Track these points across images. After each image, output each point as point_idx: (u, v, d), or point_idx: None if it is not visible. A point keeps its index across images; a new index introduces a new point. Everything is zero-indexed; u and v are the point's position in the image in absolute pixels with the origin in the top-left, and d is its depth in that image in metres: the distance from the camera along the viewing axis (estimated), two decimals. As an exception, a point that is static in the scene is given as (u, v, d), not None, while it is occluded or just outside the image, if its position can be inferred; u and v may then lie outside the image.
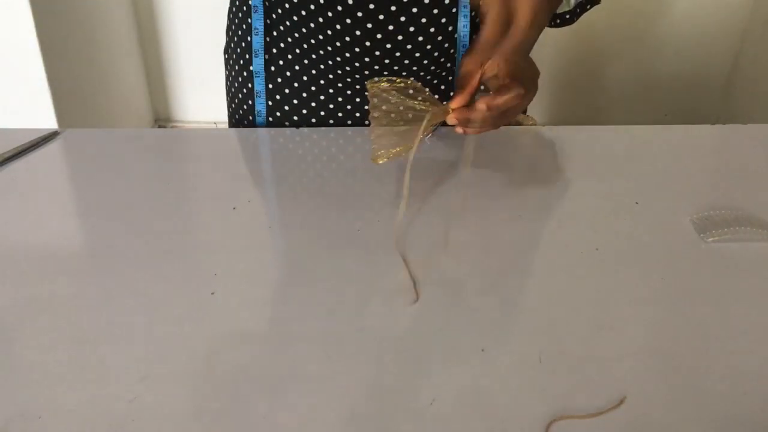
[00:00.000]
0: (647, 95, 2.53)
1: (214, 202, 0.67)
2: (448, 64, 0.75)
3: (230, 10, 0.85)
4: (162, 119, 2.62)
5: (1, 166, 0.72)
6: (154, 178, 0.71)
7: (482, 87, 0.61)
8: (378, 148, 0.60)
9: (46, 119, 1.83)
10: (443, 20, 0.72)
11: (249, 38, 0.81)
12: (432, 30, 0.72)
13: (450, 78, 0.78)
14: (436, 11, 0.71)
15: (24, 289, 0.55)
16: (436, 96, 0.70)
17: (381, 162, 0.60)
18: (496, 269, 0.58)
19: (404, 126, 0.59)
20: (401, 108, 0.59)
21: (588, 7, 0.83)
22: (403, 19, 0.71)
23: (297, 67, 0.80)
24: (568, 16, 0.84)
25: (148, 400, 0.45)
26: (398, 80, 0.59)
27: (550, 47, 2.44)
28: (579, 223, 0.64)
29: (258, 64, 0.81)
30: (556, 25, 0.86)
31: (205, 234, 0.62)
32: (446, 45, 0.74)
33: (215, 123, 2.62)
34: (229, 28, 0.87)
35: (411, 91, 0.59)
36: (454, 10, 0.72)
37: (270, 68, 0.81)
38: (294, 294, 0.55)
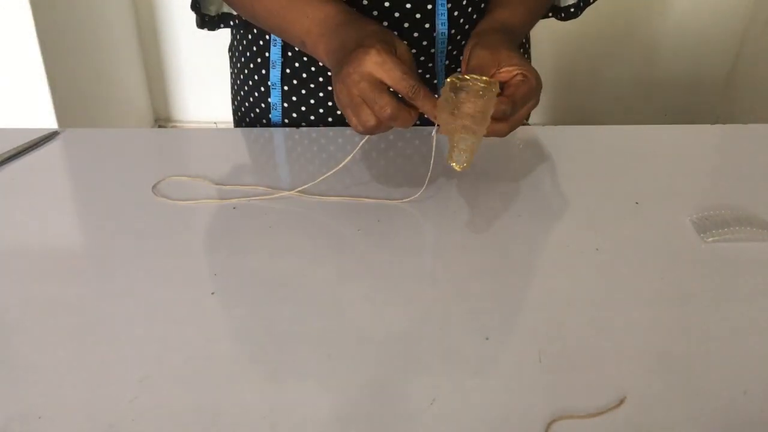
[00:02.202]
0: (647, 95, 2.53)
1: (214, 202, 0.67)
2: (430, 54, 0.77)
3: None
4: (162, 119, 2.62)
5: (1, 166, 0.72)
6: (154, 178, 0.71)
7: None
8: (457, 153, 0.60)
9: (46, 119, 1.83)
10: (422, 20, 0.73)
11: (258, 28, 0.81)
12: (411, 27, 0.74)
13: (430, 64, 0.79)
14: (418, 16, 0.72)
15: (24, 289, 0.55)
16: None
17: (455, 166, 0.60)
18: (496, 269, 0.58)
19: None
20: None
21: (591, 1, 0.83)
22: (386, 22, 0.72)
23: (297, 64, 0.80)
24: (572, 10, 0.84)
25: (148, 400, 0.45)
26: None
27: (551, 47, 2.43)
28: (579, 223, 0.64)
29: (275, 75, 0.81)
30: (562, 19, 0.86)
31: (205, 234, 0.62)
32: (424, 43, 0.75)
33: (215, 123, 2.62)
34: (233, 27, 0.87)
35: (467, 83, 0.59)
36: (429, 6, 0.72)
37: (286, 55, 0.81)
38: (294, 294, 0.55)
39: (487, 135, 0.60)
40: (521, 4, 0.73)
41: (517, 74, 0.62)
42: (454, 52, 0.77)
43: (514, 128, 0.62)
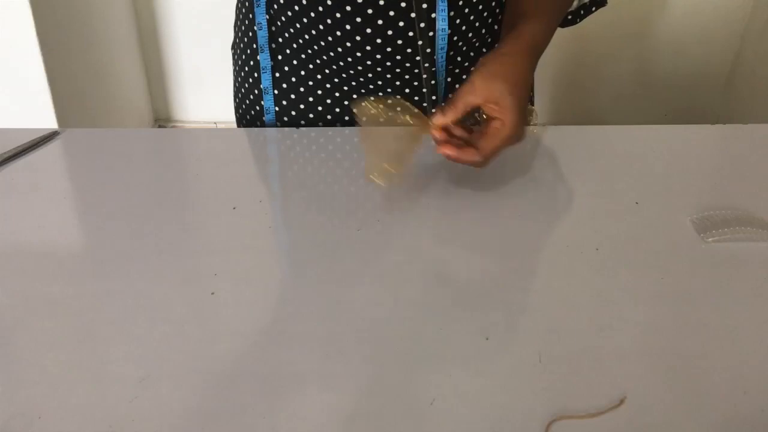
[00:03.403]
0: (647, 95, 2.53)
1: (214, 202, 0.67)
2: (426, 64, 0.76)
3: (236, 5, 0.86)
4: (162, 119, 2.62)
5: (1, 166, 0.72)
6: (154, 178, 0.71)
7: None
8: (370, 165, 0.62)
9: (46, 119, 1.83)
10: (421, 25, 0.72)
11: (253, 30, 0.81)
12: (410, 34, 0.73)
13: (433, 72, 0.78)
14: (413, 15, 0.72)
15: (24, 289, 0.55)
16: (424, 103, 0.72)
17: (376, 180, 0.62)
18: (496, 269, 0.58)
19: (394, 131, 0.61)
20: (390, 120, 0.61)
21: (593, 9, 0.83)
22: (380, 22, 0.72)
23: (295, 62, 0.80)
24: (570, 17, 0.84)
25: (148, 400, 0.45)
26: (385, 99, 0.61)
27: (550, 47, 2.43)
28: (579, 223, 0.64)
29: (264, 59, 0.81)
30: (560, 25, 0.86)
31: (205, 234, 0.62)
32: (420, 42, 0.74)
33: (215, 123, 2.61)
34: (235, 24, 0.87)
35: (398, 109, 0.61)
36: (433, 15, 0.72)
37: (276, 58, 0.81)
38: (294, 294, 0.55)
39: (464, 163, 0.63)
40: (545, 14, 0.73)
41: (496, 119, 0.62)
42: (451, 53, 0.77)
43: (491, 160, 0.63)
